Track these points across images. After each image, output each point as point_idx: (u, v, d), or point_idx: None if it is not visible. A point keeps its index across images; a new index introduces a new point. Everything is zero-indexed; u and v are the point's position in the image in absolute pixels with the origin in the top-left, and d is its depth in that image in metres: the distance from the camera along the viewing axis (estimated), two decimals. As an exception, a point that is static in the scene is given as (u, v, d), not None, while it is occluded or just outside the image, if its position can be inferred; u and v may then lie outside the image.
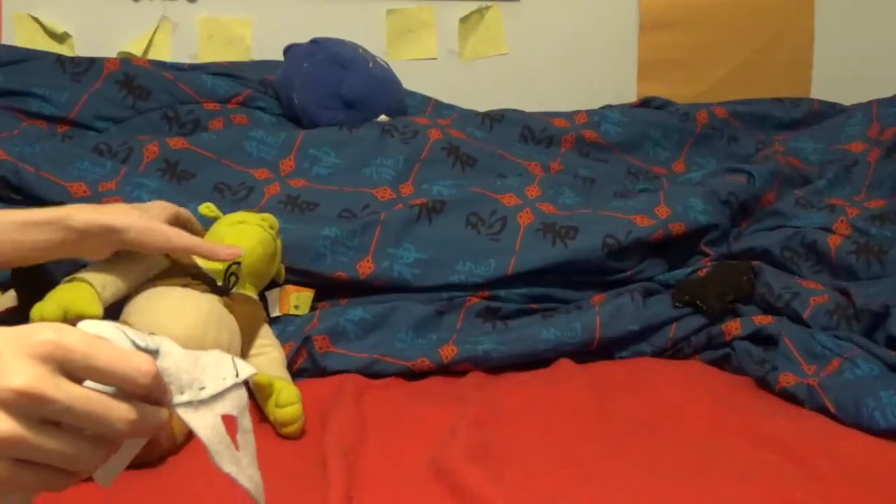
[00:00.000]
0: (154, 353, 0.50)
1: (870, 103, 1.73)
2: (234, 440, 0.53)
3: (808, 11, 2.01)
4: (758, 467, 0.90)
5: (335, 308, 1.30)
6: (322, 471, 0.86)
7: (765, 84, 1.95)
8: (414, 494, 0.84)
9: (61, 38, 1.78)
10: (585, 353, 1.28)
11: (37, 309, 0.97)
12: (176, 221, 1.10)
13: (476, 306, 1.34)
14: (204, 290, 1.09)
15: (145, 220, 1.02)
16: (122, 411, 0.47)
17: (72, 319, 0.99)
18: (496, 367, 1.25)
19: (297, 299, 1.28)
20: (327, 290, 1.32)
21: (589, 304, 1.35)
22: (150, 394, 0.48)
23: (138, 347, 0.50)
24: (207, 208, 1.23)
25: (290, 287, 1.30)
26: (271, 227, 1.24)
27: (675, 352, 1.32)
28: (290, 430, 1.01)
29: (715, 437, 0.98)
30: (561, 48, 1.97)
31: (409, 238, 1.36)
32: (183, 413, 0.50)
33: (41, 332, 0.46)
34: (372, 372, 1.22)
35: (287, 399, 1.01)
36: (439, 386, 1.20)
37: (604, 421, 1.03)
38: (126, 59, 1.65)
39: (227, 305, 1.09)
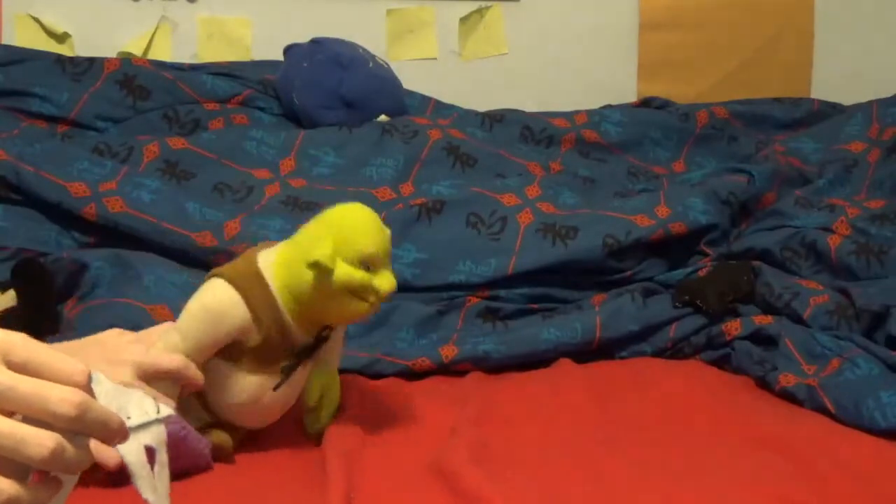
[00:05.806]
0: None
1: (870, 103, 1.73)
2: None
3: (808, 11, 2.01)
4: (758, 467, 0.90)
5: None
6: (322, 471, 0.86)
7: (765, 84, 1.95)
8: (414, 494, 0.84)
9: (61, 38, 1.78)
10: (585, 353, 1.28)
11: None
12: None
13: (476, 306, 1.34)
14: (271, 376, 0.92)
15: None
16: (63, 392, 0.48)
17: None
18: (496, 367, 1.25)
19: None
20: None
21: (589, 304, 1.35)
22: (88, 409, 0.49)
23: None
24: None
25: None
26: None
27: (675, 352, 1.32)
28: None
29: (715, 437, 0.98)
30: (561, 48, 1.96)
31: (409, 238, 1.36)
32: None
33: None
34: (372, 371, 1.22)
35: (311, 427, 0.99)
36: (439, 386, 1.20)
37: (604, 421, 1.03)
38: (126, 59, 1.65)
39: (305, 366, 0.93)
